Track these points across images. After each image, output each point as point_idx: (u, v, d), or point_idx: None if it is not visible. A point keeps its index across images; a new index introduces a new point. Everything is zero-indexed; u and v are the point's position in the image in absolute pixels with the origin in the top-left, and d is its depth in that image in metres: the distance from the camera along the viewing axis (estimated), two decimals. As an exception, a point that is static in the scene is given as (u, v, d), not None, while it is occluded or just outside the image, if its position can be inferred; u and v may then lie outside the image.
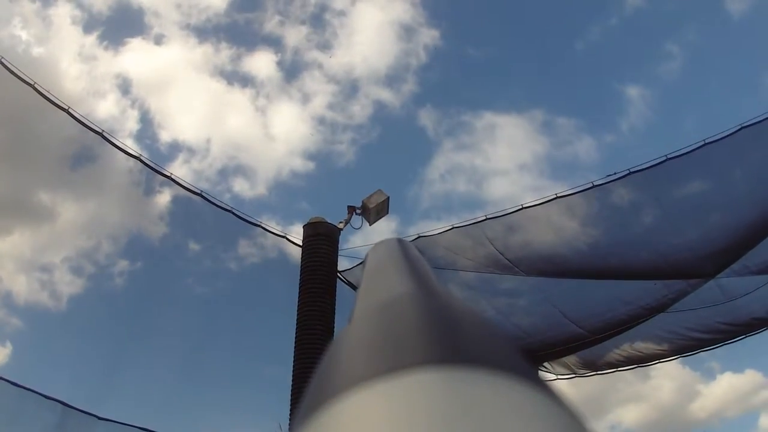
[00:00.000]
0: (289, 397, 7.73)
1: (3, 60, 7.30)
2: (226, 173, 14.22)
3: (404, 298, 0.52)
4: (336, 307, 8.28)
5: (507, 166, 16.38)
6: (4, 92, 7.64)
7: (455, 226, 9.27)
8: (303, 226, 8.86)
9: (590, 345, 10.14)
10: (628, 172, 8.14)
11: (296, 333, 8.03)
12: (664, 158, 7.94)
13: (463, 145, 16.08)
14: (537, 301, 9.79)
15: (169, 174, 9.05)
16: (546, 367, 10.94)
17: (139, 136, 13.34)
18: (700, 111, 15.83)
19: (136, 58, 14.31)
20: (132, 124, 13.45)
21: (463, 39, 16.81)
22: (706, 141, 7.71)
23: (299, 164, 15.13)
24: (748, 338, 9.56)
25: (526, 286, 9.71)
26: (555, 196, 8.69)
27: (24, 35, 11.82)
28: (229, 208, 9.38)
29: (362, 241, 9.62)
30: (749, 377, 14.85)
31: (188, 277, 10.79)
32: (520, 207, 8.86)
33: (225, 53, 15.14)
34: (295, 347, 7.94)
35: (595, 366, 10.91)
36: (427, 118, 16.50)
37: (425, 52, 15.89)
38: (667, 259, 8.59)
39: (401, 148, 17.28)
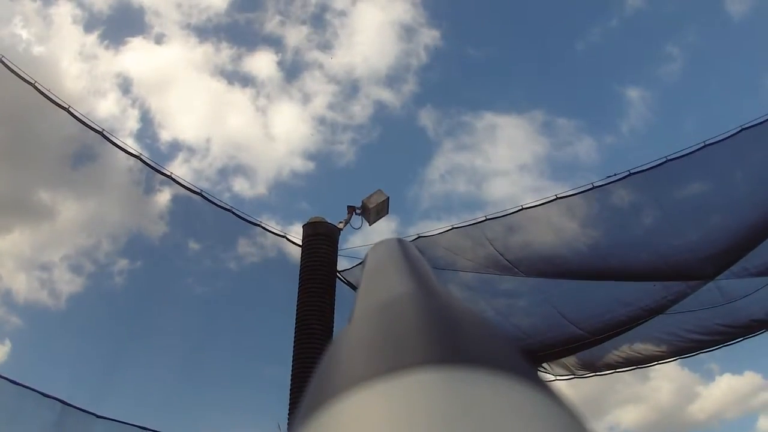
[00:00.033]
0: (288, 397, 7.73)
1: (3, 59, 7.30)
2: (226, 173, 14.23)
3: (404, 298, 0.52)
4: (335, 307, 8.27)
5: (507, 166, 16.39)
6: (5, 91, 7.64)
7: (455, 226, 9.27)
8: (303, 226, 8.85)
9: (589, 346, 10.14)
10: (628, 173, 8.14)
11: (295, 333, 8.02)
12: (665, 159, 7.94)
13: (463, 145, 16.09)
14: (536, 302, 9.79)
15: (169, 173, 9.05)
16: (545, 368, 10.94)
17: (139, 135, 13.35)
18: (701, 112, 15.85)
19: (137, 57, 14.33)
20: (132, 123, 13.46)
21: (463, 39, 16.82)
22: (707, 142, 7.71)
23: (299, 164, 15.14)
24: (747, 340, 9.56)
25: (526, 286, 9.70)
26: (555, 197, 8.69)
27: (25, 34, 11.82)
28: (228, 208, 9.38)
29: (362, 241, 9.63)
30: (748, 379, 14.88)
31: (188, 276, 10.79)
32: (520, 208, 8.86)
33: (225, 53, 15.17)
34: (294, 347, 7.93)
35: (594, 367, 10.91)
36: (427, 118, 16.51)
37: (426, 52, 15.91)
38: (667, 260, 8.59)
39: (401, 148, 17.29)
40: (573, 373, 11.06)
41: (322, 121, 15.51)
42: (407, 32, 15.86)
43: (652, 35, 15.81)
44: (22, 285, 10.45)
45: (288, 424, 7.48)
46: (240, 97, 15.31)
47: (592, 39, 16.32)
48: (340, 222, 9.17)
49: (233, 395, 10.57)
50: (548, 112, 15.99)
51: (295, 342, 7.97)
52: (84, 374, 9.95)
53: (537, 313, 9.92)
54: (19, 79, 7.37)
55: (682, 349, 10.08)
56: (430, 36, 15.97)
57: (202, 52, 15.09)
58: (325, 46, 15.63)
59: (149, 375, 10.23)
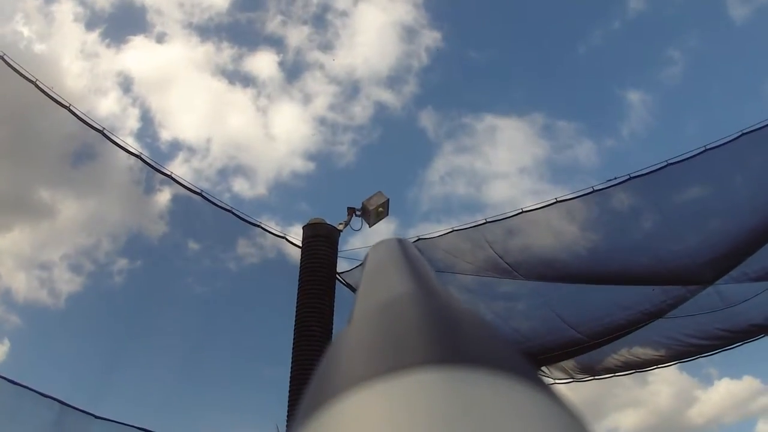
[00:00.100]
0: (287, 398, 7.72)
1: (5, 56, 7.30)
2: (226, 173, 14.24)
3: (404, 298, 0.52)
4: (335, 308, 8.27)
5: (507, 169, 16.38)
6: (6, 89, 7.65)
7: (455, 229, 9.28)
8: (302, 227, 8.86)
9: (588, 350, 10.14)
10: (628, 177, 8.14)
11: (294, 334, 8.02)
12: (665, 163, 7.94)
13: (463, 147, 16.08)
14: (536, 306, 9.79)
15: (169, 173, 9.05)
16: (544, 372, 10.93)
17: (139, 134, 13.35)
18: (702, 117, 15.85)
19: (138, 56, 14.32)
20: (133, 122, 13.47)
21: (464, 41, 16.83)
22: (707, 147, 7.71)
23: (299, 165, 15.15)
24: (746, 345, 9.56)
25: (525, 290, 9.71)
26: (555, 200, 8.70)
27: (26, 31, 11.82)
28: (228, 208, 9.38)
29: (362, 242, 9.63)
30: (747, 383, 14.89)
31: (187, 276, 10.81)
32: (520, 211, 8.87)
33: (227, 52, 15.16)
34: (293, 348, 7.93)
35: (593, 371, 10.91)
36: (427, 120, 16.50)
37: (427, 53, 15.90)
38: (667, 264, 8.59)
39: (402, 149, 17.29)
40: (572, 377, 11.06)
41: (322, 121, 15.53)
42: (408, 33, 15.88)
43: (653, 38, 15.81)
44: (21, 284, 10.48)
45: (287, 424, 7.48)
46: (241, 97, 15.32)
47: (594, 42, 16.34)
48: (340, 223, 9.17)
49: (232, 396, 10.58)
50: (549, 115, 16.00)
51: (294, 343, 7.96)
52: (83, 374, 9.96)
53: (536, 317, 9.92)
54: (20, 77, 7.38)
55: (681, 353, 10.08)
56: (431, 37, 15.98)
57: (203, 51, 15.11)
58: (327, 47, 15.64)
59: (148, 375, 10.23)
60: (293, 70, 15.96)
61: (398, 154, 17.41)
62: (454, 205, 15.84)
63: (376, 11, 16.49)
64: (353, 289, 9.50)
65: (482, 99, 16.69)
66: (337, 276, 8.89)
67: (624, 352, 10.30)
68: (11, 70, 7.33)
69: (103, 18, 13.33)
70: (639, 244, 8.80)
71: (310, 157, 15.35)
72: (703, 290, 8.88)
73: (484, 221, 9.06)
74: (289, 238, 9.63)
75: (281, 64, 15.49)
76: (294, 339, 7.99)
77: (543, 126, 16.23)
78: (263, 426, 11.11)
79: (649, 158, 15.51)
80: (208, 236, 10.37)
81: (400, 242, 0.87)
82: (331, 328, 8.05)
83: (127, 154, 8.67)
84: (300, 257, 8.65)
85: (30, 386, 7.96)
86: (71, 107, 7.82)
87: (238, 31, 15.51)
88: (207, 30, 15.05)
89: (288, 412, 7.61)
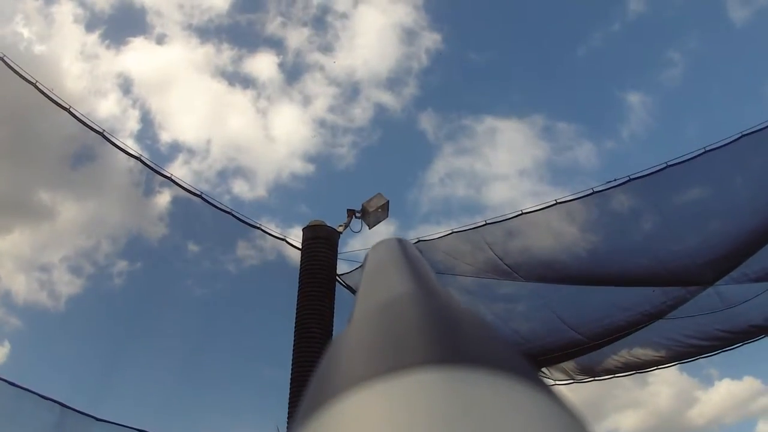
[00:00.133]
0: (287, 400, 7.72)
1: (5, 58, 7.30)
2: (225, 175, 14.25)
3: (404, 298, 0.52)
4: (335, 310, 8.27)
5: (507, 171, 16.39)
6: (6, 90, 7.65)
7: (455, 230, 9.27)
8: (302, 229, 8.85)
9: (588, 351, 10.13)
10: (628, 178, 8.14)
11: (295, 336, 8.02)
12: (665, 165, 7.94)
13: (463, 149, 16.10)
14: (536, 307, 9.79)
15: (168, 175, 9.05)
16: (544, 373, 10.93)
17: (139, 136, 13.37)
18: (702, 118, 15.85)
19: (138, 57, 14.35)
20: (133, 123, 13.48)
21: (464, 43, 16.86)
22: (707, 148, 7.71)
23: (299, 167, 15.15)
24: (746, 345, 9.56)
25: (525, 291, 9.70)
26: (555, 201, 8.70)
27: (26, 33, 11.84)
28: (228, 210, 9.38)
29: (362, 244, 9.63)
30: (747, 384, 14.90)
31: (187, 278, 10.80)
32: (520, 212, 8.86)
33: (226, 54, 15.18)
34: (293, 350, 7.93)
35: (593, 372, 10.91)
36: (427, 121, 16.51)
37: (427, 55, 15.91)
38: (666, 266, 8.59)
39: (401, 151, 17.31)
40: (572, 378, 11.05)
41: (322, 123, 15.54)
42: (408, 35, 15.90)
43: (653, 40, 15.82)
44: (21, 286, 10.47)
45: (287, 426, 7.48)
46: (240, 98, 15.34)
47: (594, 43, 16.36)
48: (340, 225, 9.17)
49: (232, 397, 10.58)
50: (549, 117, 16.01)
51: (294, 345, 7.96)
52: (83, 376, 9.95)
53: (536, 318, 9.92)
54: (19, 78, 7.38)
55: (682, 354, 10.08)
56: (431, 39, 15.98)
57: (203, 53, 15.13)
58: (326, 49, 15.66)
59: (148, 377, 10.23)
60: (293, 72, 16.00)
61: (398, 156, 17.43)
62: (453, 206, 15.86)
63: (376, 13, 16.51)
64: (353, 291, 9.49)
65: (482, 101, 16.71)
66: (337, 278, 8.89)
67: (624, 353, 10.30)
68: (11, 71, 7.33)
69: (102, 19, 13.36)
70: (639, 245, 8.80)
71: (310, 158, 15.36)
72: (703, 291, 8.88)
73: (484, 223, 9.06)
74: (289, 240, 9.63)
75: (281, 65, 15.54)
76: (294, 341, 7.99)
77: (543, 128, 16.25)
78: (263, 427, 11.12)
79: (649, 160, 15.54)
80: (208, 238, 10.37)
81: (400, 242, 0.86)
82: (331, 330, 8.05)
83: (127, 156, 8.67)
84: (300, 259, 8.65)
85: (30, 388, 7.96)
86: (71, 109, 7.82)
87: (238, 32, 15.53)
88: (207, 31, 15.08)
89: (288, 413, 7.61)
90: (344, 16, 16.14)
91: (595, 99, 16.71)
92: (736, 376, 14.77)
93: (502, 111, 16.80)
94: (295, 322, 8.11)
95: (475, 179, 16.06)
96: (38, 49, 12.01)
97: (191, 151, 14.04)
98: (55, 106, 7.70)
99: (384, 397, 0.36)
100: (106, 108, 12.76)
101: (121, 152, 8.56)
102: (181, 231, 10.37)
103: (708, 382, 15.76)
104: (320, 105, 15.64)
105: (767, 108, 17.76)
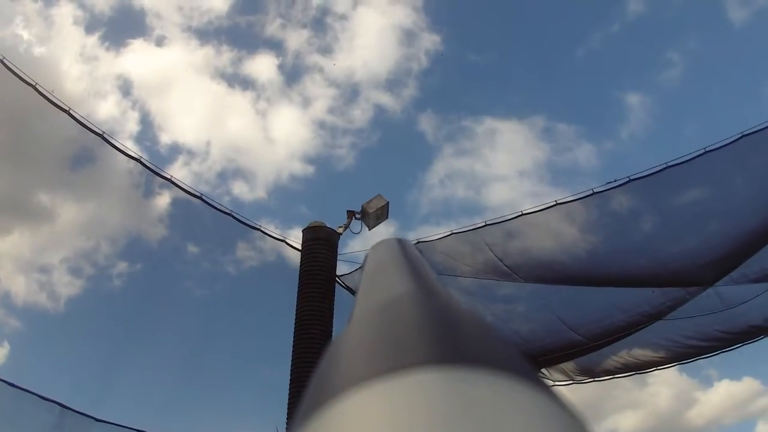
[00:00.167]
0: (287, 401, 7.72)
1: (4, 60, 7.30)
2: (225, 176, 14.25)
3: (404, 298, 0.52)
4: (334, 311, 8.27)
5: (507, 172, 16.39)
6: (5, 92, 7.65)
7: (454, 231, 9.28)
8: (302, 230, 8.86)
9: (588, 352, 10.13)
10: (628, 179, 8.14)
11: (294, 337, 8.02)
12: (665, 166, 7.94)
13: (463, 150, 16.09)
14: (535, 308, 9.79)
15: (168, 176, 9.05)
16: (543, 374, 10.93)
17: (139, 137, 13.36)
18: (701, 119, 15.85)
19: (138, 59, 14.34)
20: (132, 125, 13.48)
21: (464, 44, 16.85)
22: (707, 149, 7.71)
23: (299, 168, 15.15)
24: (745, 346, 9.57)
25: (525, 292, 9.70)
26: (555, 202, 8.70)
27: (26, 35, 11.84)
28: (228, 211, 9.38)
29: (361, 245, 9.63)
30: (747, 385, 14.89)
31: (187, 279, 10.80)
32: (520, 213, 8.86)
33: (226, 56, 15.18)
34: (293, 351, 7.94)
35: (592, 373, 10.91)
36: (427, 123, 16.50)
37: (426, 56, 15.90)
38: (666, 266, 8.59)
39: (401, 152, 17.31)
40: (571, 379, 11.05)
41: (322, 125, 15.54)
42: (408, 37, 15.88)
43: (652, 41, 15.81)
44: (20, 287, 10.48)
45: (286, 427, 7.48)
46: (240, 100, 15.34)
47: (593, 44, 16.35)
48: (340, 226, 9.18)
49: (232, 398, 10.59)
50: (548, 118, 15.99)
51: (294, 346, 7.97)
52: (83, 377, 9.95)
53: (536, 319, 9.92)
54: (19, 80, 7.38)
55: (681, 354, 10.08)
56: (430, 41, 15.96)
57: (202, 54, 15.12)
58: (326, 50, 15.65)
59: (148, 378, 10.23)
60: (293, 74, 16.01)
61: (398, 157, 17.42)
62: (453, 207, 15.86)
63: (375, 15, 16.50)
64: (353, 292, 9.50)
65: (482, 102, 16.72)
66: (337, 279, 8.89)
67: (624, 353, 10.30)
68: (11, 73, 7.34)
69: (102, 21, 13.36)
70: (639, 246, 8.80)
71: (310, 160, 15.36)
72: (703, 292, 8.88)
73: (484, 224, 9.06)
74: (289, 242, 9.64)
75: (281, 67, 15.52)
76: (294, 342, 8.00)
77: (543, 129, 16.25)
78: (263, 428, 11.13)
79: (648, 160, 15.53)
80: (208, 239, 10.38)
81: (400, 242, 0.86)
82: (331, 331, 8.05)
83: (127, 158, 8.67)
84: (300, 260, 8.66)
85: (30, 389, 7.96)
86: (71, 111, 7.82)
87: (238, 34, 15.53)
88: (206, 33, 15.08)
89: (288, 414, 7.62)
90: (343, 17, 16.14)
91: (594, 100, 16.71)
92: (736, 376, 14.77)
93: (502, 112, 16.80)
94: (295, 323, 8.11)
95: (474, 180, 16.07)
96: (38, 51, 12.02)
97: (191, 153, 14.07)
98: (55, 108, 7.70)
99: (384, 397, 0.35)
100: (105, 110, 12.77)
101: (121, 154, 8.57)
102: (180, 232, 10.38)
103: (707, 382, 15.76)
104: (320, 106, 15.65)
105: (767, 108, 17.75)
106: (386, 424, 0.33)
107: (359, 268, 9.20)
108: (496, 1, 16.58)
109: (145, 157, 8.78)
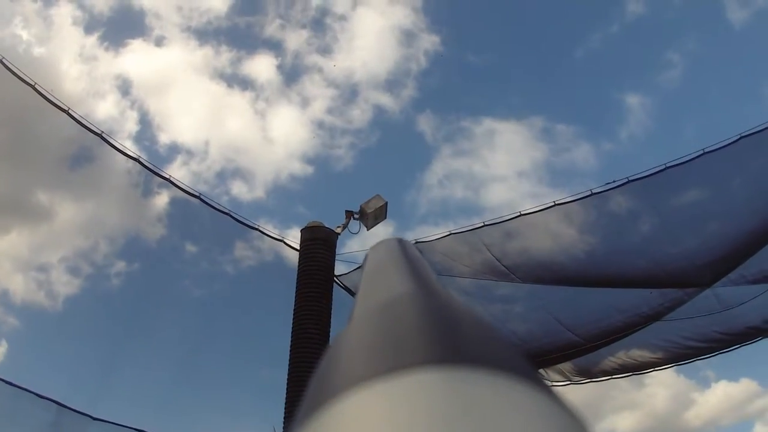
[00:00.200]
0: (284, 401, 7.72)
1: (3, 60, 7.29)
2: (224, 176, 14.24)
3: (404, 298, 0.52)
4: (332, 311, 8.27)
5: (505, 172, 16.40)
6: (5, 92, 7.64)
7: (453, 232, 9.27)
8: (300, 230, 8.86)
9: (585, 352, 10.13)
10: (626, 180, 8.14)
11: (292, 337, 8.02)
12: (663, 167, 7.94)
13: (461, 151, 16.09)
14: (533, 308, 9.79)
15: (167, 176, 9.05)
16: (541, 374, 10.92)
17: (138, 137, 13.36)
18: (700, 120, 15.85)
19: (137, 59, 14.33)
20: (131, 125, 13.47)
21: (463, 45, 16.85)
22: (706, 150, 7.71)
23: (298, 168, 15.14)
24: (743, 347, 9.56)
25: (523, 292, 9.70)
26: (553, 203, 8.69)
27: (25, 35, 11.83)
28: (226, 211, 9.37)
29: (360, 245, 9.62)
30: (744, 386, 14.89)
31: (185, 279, 10.80)
32: (518, 214, 8.86)
33: (225, 56, 15.18)
34: (290, 351, 7.93)
35: (590, 373, 10.90)
36: (426, 123, 16.51)
37: (425, 57, 15.90)
38: (664, 267, 8.59)
39: (400, 153, 17.31)
40: (569, 380, 11.05)
41: (320, 125, 15.53)
42: (407, 37, 15.89)
43: (652, 42, 15.81)
44: (19, 286, 10.47)
45: (284, 427, 7.48)
46: (239, 100, 15.33)
47: (592, 45, 16.36)
48: (338, 226, 9.17)
49: (230, 398, 10.57)
50: (547, 119, 15.99)
51: (291, 346, 7.97)
52: (80, 376, 9.94)
53: (533, 319, 9.91)
54: (18, 80, 7.37)
55: (679, 355, 10.08)
56: (430, 41, 15.96)
57: (201, 54, 15.11)
58: (325, 51, 15.65)
59: (146, 377, 10.22)
60: (292, 74, 16.02)
61: (396, 158, 17.42)
62: (452, 208, 15.87)
63: (374, 15, 16.50)
64: (351, 292, 9.50)
65: (481, 102, 16.73)
66: (335, 279, 8.89)
67: (621, 354, 10.30)
68: (10, 73, 7.33)
69: (101, 21, 13.36)
70: (637, 247, 8.80)
71: (308, 160, 15.36)
72: (701, 293, 8.88)
73: (482, 224, 9.05)
74: (287, 241, 9.63)
75: (280, 67, 15.52)
76: (291, 342, 7.99)
77: (541, 129, 16.25)
78: (260, 428, 11.11)
79: (647, 161, 15.57)
80: (206, 239, 10.37)
81: (400, 242, 0.86)
82: (329, 331, 8.05)
83: (126, 158, 8.66)
84: (298, 260, 8.65)
85: (27, 388, 7.96)
86: (70, 110, 7.82)
87: (237, 34, 15.53)
88: (205, 33, 15.09)
89: (285, 414, 7.61)
90: (343, 18, 16.14)
91: (593, 101, 16.72)
92: (733, 378, 14.77)
93: (501, 113, 16.81)
94: (293, 323, 8.11)
95: (473, 181, 16.08)
96: (37, 51, 12.02)
97: (190, 153, 14.06)
98: (54, 107, 7.69)
99: (384, 397, 0.36)
100: (104, 110, 12.77)
101: (120, 153, 8.56)
102: (179, 232, 10.38)
103: (705, 383, 15.76)
104: (319, 106, 15.65)
105: (766, 109, 17.78)
106: (386, 424, 0.33)
107: (357, 268, 9.21)
108: (495, 2, 16.58)
109: (143, 157, 8.78)
